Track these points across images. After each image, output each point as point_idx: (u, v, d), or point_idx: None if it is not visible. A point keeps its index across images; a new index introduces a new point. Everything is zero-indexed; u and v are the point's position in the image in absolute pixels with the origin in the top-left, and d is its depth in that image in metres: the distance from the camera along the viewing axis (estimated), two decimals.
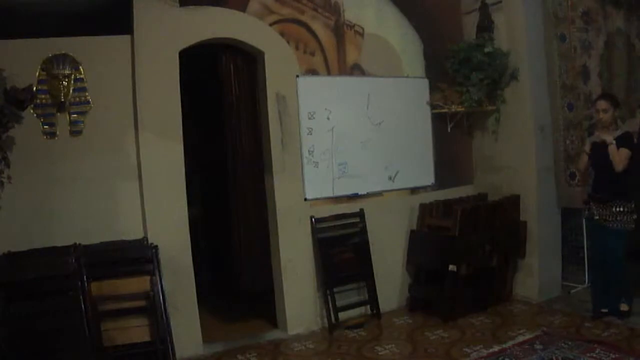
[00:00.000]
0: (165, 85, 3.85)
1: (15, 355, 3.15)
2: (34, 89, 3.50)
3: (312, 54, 4.44)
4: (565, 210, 4.82)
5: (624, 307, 4.04)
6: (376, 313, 4.55)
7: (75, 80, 3.68)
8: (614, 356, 3.39)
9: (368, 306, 4.58)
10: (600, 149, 4.02)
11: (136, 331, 3.58)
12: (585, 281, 4.76)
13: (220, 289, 5.29)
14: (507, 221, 4.63)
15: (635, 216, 3.95)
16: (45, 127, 3.64)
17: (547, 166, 4.72)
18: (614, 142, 3.87)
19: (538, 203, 4.68)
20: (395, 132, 4.77)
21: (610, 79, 4.76)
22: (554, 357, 3.46)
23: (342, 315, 4.38)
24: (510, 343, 3.78)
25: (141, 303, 3.58)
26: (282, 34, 4.29)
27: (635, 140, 4.02)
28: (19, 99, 3.35)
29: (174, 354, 3.64)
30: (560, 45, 4.66)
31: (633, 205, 3.96)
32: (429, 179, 5.00)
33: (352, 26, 4.63)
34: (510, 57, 4.73)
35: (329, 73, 4.52)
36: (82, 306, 3.36)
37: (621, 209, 3.94)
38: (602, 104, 4.00)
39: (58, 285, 3.35)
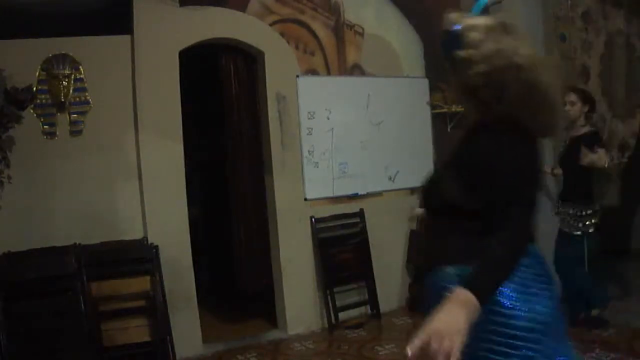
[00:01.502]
0: (165, 85, 3.85)
1: (16, 355, 3.15)
2: (34, 89, 3.50)
3: (312, 54, 4.44)
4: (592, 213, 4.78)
5: (594, 312, 3.95)
6: (376, 313, 4.55)
7: (75, 80, 3.68)
8: (613, 356, 3.39)
9: (368, 306, 4.58)
10: (568, 142, 3.93)
11: (136, 331, 3.58)
12: (591, 279, 4.75)
13: (220, 288, 5.29)
14: None
15: (587, 222, 3.80)
16: (45, 127, 3.64)
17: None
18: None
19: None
20: (395, 132, 4.76)
21: (610, 79, 4.77)
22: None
23: (342, 315, 4.38)
24: None
25: (141, 303, 3.58)
26: (282, 34, 4.29)
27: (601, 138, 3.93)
28: (19, 99, 3.35)
29: (174, 354, 3.64)
30: (560, 45, 4.67)
31: (588, 211, 3.79)
32: None
33: (352, 26, 4.63)
34: None
35: (329, 73, 4.52)
36: (82, 306, 3.37)
37: (572, 211, 3.82)
38: (571, 97, 3.85)
39: (58, 285, 3.35)
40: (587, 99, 3.88)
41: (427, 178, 1.63)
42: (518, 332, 1.39)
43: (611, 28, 4.76)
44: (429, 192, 1.62)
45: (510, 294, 1.41)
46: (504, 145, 1.40)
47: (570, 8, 4.63)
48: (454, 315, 1.23)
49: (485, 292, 1.29)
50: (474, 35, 1.43)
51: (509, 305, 1.40)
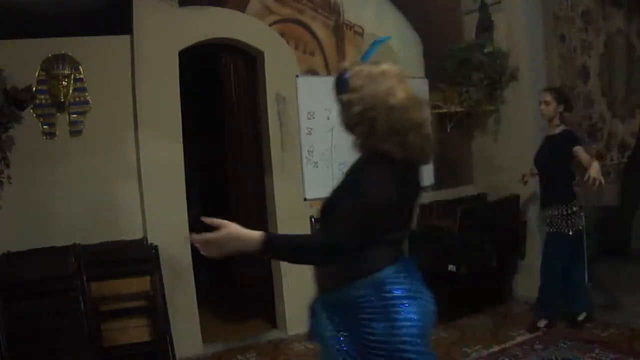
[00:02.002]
0: (165, 86, 3.85)
1: (15, 355, 3.15)
2: (34, 89, 3.49)
3: (312, 54, 4.44)
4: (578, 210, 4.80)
5: (540, 323, 3.94)
6: None
7: (75, 80, 3.68)
8: (613, 356, 3.39)
9: None
10: (543, 142, 3.92)
11: (136, 331, 3.58)
12: (585, 281, 4.75)
13: (220, 288, 5.29)
14: (507, 221, 4.63)
15: (577, 220, 3.76)
16: (44, 127, 3.63)
17: None
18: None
19: (538, 203, 4.68)
20: None
21: (610, 79, 4.77)
22: (553, 357, 3.47)
23: None
24: (510, 343, 3.78)
25: (141, 303, 3.58)
26: (282, 34, 4.29)
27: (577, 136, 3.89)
28: (19, 99, 3.35)
29: (173, 354, 3.64)
30: (560, 45, 4.67)
31: (575, 208, 3.76)
32: (428, 179, 4.98)
33: (351, 26, 4.63)
34: (510, 57, 4.73)
35: (328, 73, 4.51)
36: (82, 306, 3.37)
37: (558, 212, 3.78)
38: (545, 96, 3.86)
39: (58, 285, 3.36)
40: (561, 98, 3.86)
41: (325, 199, 1.90)
42: (409, 339, 1.69)
43: (611, 28, 4.76)
44: (323, 212, 1.86)
45: (404, 304, 1.70)
46: (366, 175, 1.70)
47: (570, 8, 4.63)
48: (240, 239, 1.63)
49: (271, 249, 1.63)
50: (356, 82, 1.72)
51: (402, 317, 1.69)
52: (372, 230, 1.66)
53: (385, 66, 1.76)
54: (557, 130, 3.85)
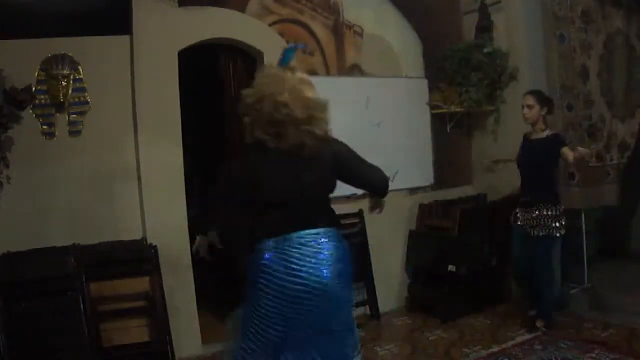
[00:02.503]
0: (164, 86, 3.85)
1: (15, 355, 3.15)
2: (33, 89, 3.49)
3: (311, 54, 4.44)
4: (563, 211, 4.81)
5: (539, 323, 3.91)
6: (375, 313, 4.55)
7: (74, 80, 3.67)
8: (613, 357, 3.39)
9: (367, 307, 4.58)
10: (526, 144, 3.90)
11: (136, 331, 3.58)
12: (585, 281, 4.75)
13: (220, 288, 5.27)
14: (506, 221, 4.62)
15: (564, 221, 3.73)
16: (44, 127, 3.63)
17: None
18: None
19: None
20: (394, 132, 4.76)
21: (609, 79, 4.76)
22: (553, 358, 3.47)
23: None
24: (509, 343, 3.78)
25: (141, 303, 3.58)
26: (281, 34, 4.29)
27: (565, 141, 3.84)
28: (18, 100, 3.35)
29: (173, 354, 3.64)
30: (559, 45, 4.66)
31: (562, 209, 3.74)
32: (428, 179, 4.99)
33: (351, 26, 4.63)
34: (509, 57, 4.73)
35: (328, 73, 4.52)
36: (82, 306, 3.36)
37: (547, 213, 3.73)
38: (528, 99, 3.79)
39: (57, 285, 3.35)
40: (544, 100, 3.81)
41: None
42: (263, 304, 2.18)
43: (610, 28, 4.75)
44: None
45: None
46: (235, 158, 2.21)
47: (569, 8, 4.62)
48: None
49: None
50: (260, 80, 2.13)
51: (261, 283, 2.15)
52: (229, 202, 2.20)
53: (289, 71, 2.12)
54: (544, 134, 3.80)
